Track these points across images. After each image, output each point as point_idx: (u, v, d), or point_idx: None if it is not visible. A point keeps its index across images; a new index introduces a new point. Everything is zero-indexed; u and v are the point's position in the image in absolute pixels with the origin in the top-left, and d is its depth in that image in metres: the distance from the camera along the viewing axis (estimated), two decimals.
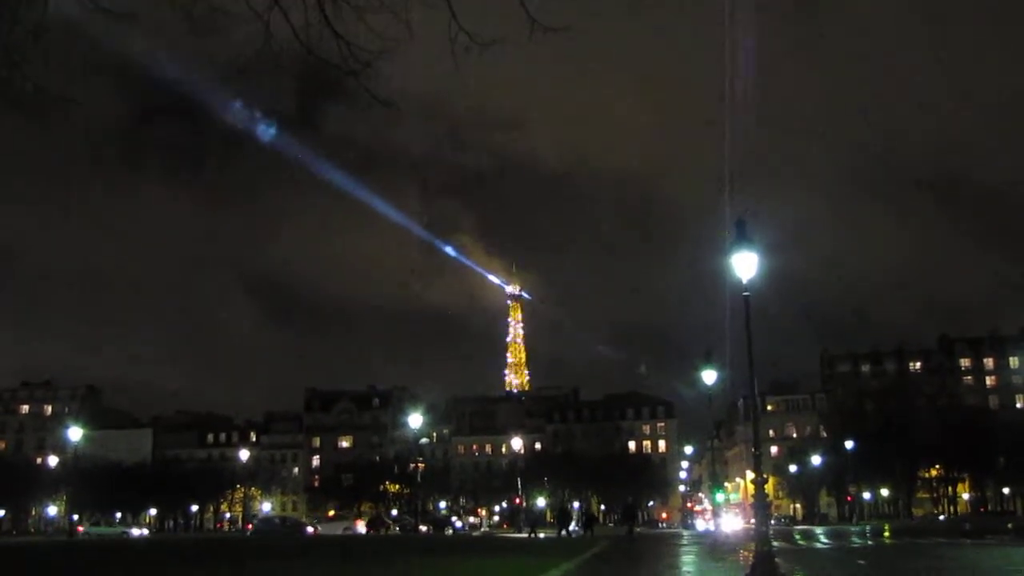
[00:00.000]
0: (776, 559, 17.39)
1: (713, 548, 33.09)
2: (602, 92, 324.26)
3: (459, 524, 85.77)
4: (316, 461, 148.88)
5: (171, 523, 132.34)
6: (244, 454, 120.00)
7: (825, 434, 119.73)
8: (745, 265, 16.68)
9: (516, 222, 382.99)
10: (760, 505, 17.39)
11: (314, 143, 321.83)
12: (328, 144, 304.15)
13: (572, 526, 58.72)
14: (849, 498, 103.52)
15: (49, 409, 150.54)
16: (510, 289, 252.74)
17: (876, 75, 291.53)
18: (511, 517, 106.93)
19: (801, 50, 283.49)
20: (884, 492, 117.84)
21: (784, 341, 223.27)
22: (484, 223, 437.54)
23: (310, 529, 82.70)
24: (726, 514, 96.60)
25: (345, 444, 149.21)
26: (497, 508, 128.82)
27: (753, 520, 18.41)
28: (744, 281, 16.66)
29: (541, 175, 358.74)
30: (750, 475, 20.91)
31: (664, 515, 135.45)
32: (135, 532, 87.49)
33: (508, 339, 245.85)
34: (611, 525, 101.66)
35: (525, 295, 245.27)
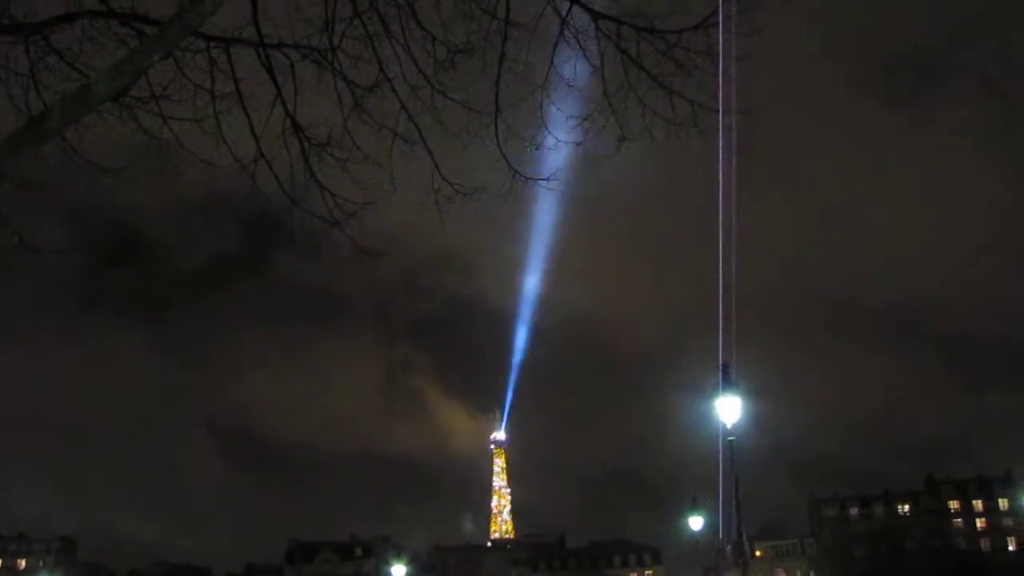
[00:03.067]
0: None
1: None
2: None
3: None
4: None
5: None
6: None
7: None
8: (729, 409, 16.49)
9: (481, 365, 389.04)
10: None
11: (268, 287, 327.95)
12: (282, 288, 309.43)
13: None
14: None
15: (23, 563, 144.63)
16: (493, 435, 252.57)
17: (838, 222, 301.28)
18: None
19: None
20: None
21: (772, 486, 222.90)
22: (446, 365, 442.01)
23: None
24: None
25: None
26: None
27: None
28: (728, 425, 16.49)
29: (496, 314, 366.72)
30: None
31: None
32: None
33: (492, 485, 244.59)
34: None
35: (502, 440, 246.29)
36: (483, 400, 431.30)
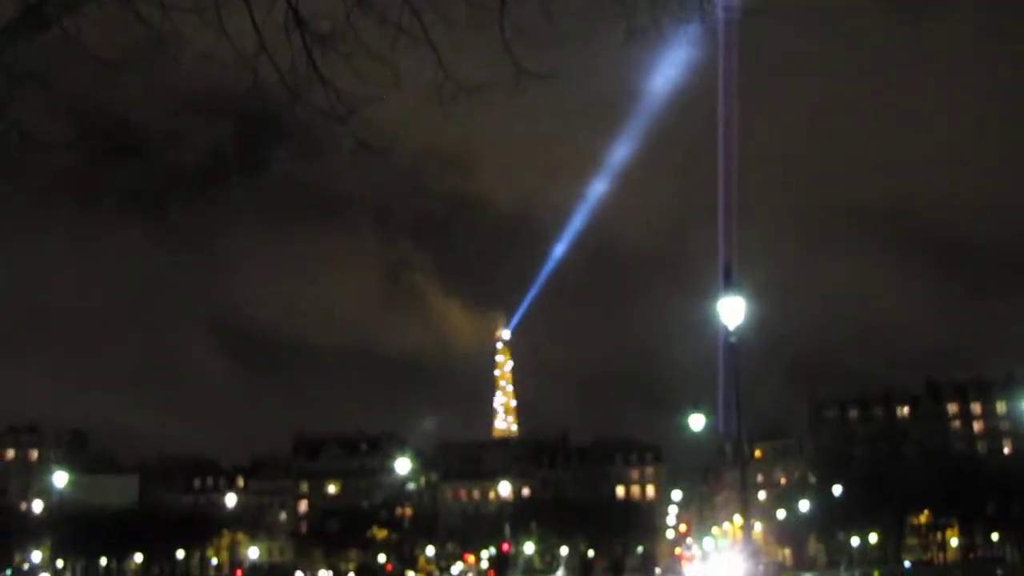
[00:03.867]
0: None
1: None
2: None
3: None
4: (303, 507, 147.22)
5: (157, 569, 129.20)
6: (231, 499, 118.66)
7: (813, 479, 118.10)
8: (732, 311, 16.45)
9: (483, 264, 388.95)
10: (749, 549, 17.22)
11: (268, 185, 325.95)
12: (283, 186, 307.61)
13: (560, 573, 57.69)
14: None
15: (35, 454, 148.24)
16: (498, 333, 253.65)
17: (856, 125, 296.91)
18: (499, 564, 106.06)
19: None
20: (873, 538, 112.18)
21: (771, 388, 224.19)
22: (447, 264, 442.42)
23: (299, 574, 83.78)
24: (716, 559, 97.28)
25: (333, 490, 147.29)
26: (485, 554, 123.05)
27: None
28: (731, 327, 16.43)
29: (500, 214, 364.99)
30: (739, 520, 20.06)
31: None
32: None
33: (496, 383, 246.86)
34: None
35: (508, 338, 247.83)
36: (485, 300, 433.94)
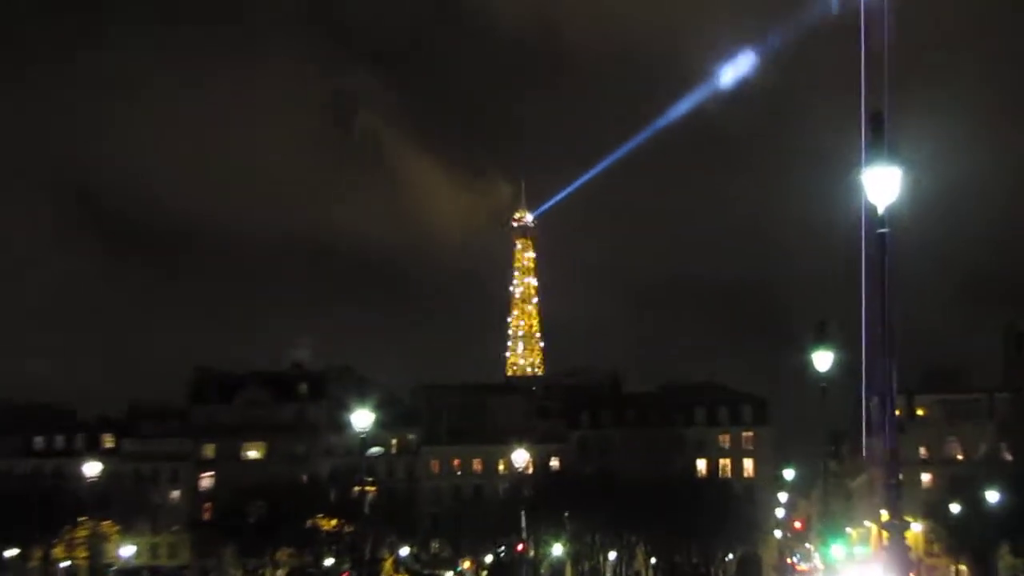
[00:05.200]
0: None
1: None
2: None
3: None
4: (207, 481, 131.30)
5: None
6: (94, 468, 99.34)
7: (1009, 456, 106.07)
8: (883, 186, 14.99)
9: (482, 109, 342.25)
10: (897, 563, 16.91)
11: None
12: None
13: None
14: None
15: None
16: (519, 217, 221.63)
17: None
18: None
19: None
20: None
21: (948, 315, 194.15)
22: (421, 106, 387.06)
23: None
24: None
25: (254, 455, 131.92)
26: (489, 558, 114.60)
27: None
28: (880, 210, 15.00)
29: (498, 41, 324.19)
30: (886, 516, 17.42)
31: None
32: None
33: (512, 296, 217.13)
34: None
35: (531, 225, 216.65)
36: (488, 165, 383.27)
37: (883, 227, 15.10)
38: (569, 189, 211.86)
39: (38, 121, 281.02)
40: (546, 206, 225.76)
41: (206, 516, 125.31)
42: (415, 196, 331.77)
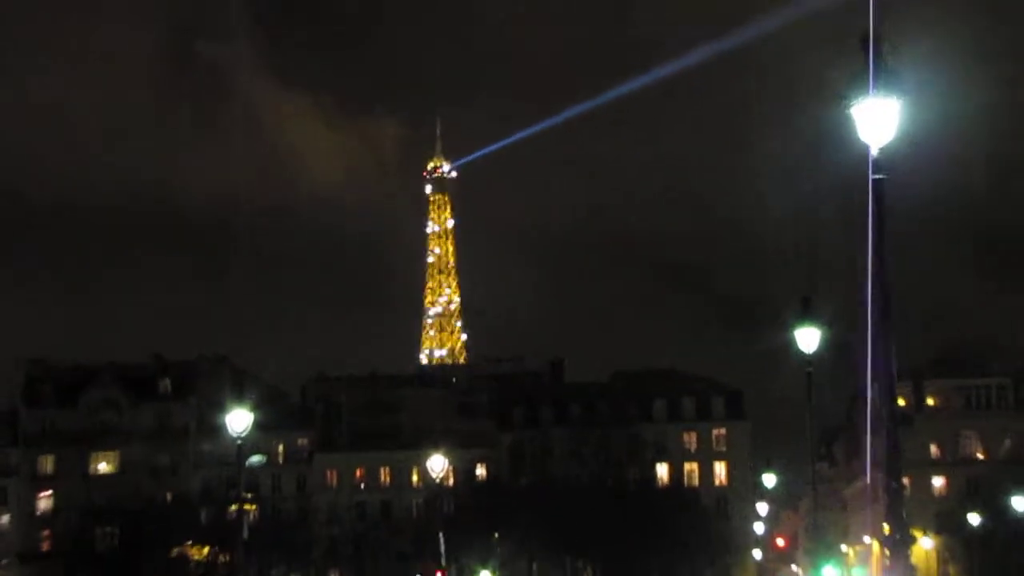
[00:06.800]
0: None
1: None
2: None
3: None
4: (45, 502, 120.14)
5: None
6: None
7: None
8: (875, 123, 13.59)
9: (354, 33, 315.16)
10: None
11: None
12: None
13: None
14: None
15: None
16: (430, 168, 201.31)
17: None
18: None
19: None
20: None
21: (960, 284, 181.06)
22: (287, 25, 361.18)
23: None
24: None
25: (104, 468, 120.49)
26: None
27: None
28: (874, 152, 13.69)
29: None
30: (887, 530, 15.28)
31: None
32: None
33: (427, 266, 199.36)
34: None
35: (447, 173, 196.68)
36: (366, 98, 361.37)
37: (879, 173, 13.90)
38: (503, 143, 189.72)
39: None
40: (471, 157, 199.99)
41: (44, 546, 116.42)
42: (284, 144, 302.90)
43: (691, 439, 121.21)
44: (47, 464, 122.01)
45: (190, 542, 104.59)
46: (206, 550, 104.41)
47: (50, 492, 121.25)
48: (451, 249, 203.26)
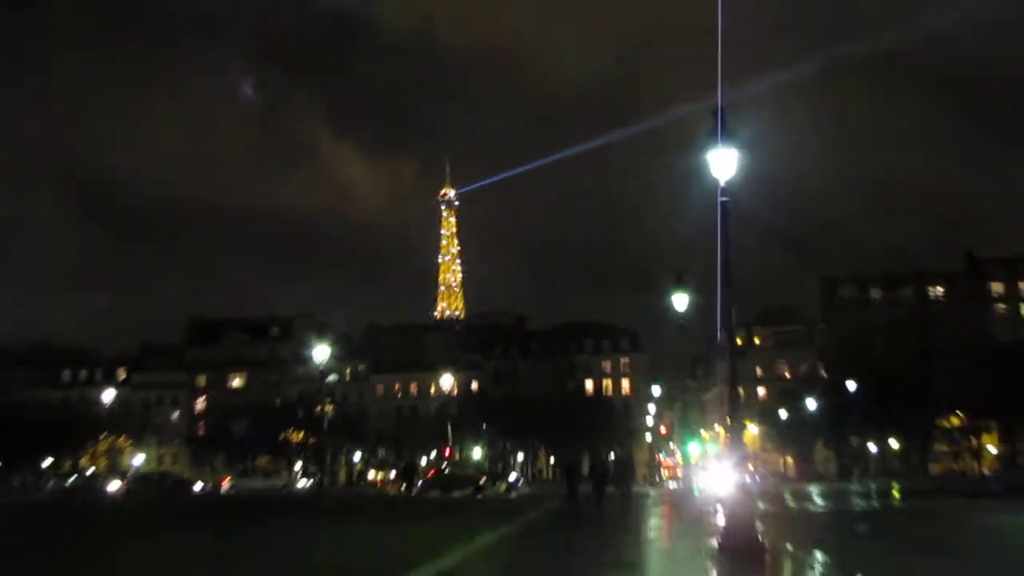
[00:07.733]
0: (757, 524, 17.26)
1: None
2: None
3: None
4: (200, 404, 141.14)
5: (18, 481, 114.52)
6: (110, 395, 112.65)
7: (824, 374, 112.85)
8: (723, 164, 16.78)
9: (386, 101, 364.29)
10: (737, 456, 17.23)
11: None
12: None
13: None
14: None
15: None
16: (442, 192, 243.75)
17: None
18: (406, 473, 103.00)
19: None
20: (894, 444, 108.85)
21: (780, 267, 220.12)
22: (342, 103, 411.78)
23: (198, 486, 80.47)
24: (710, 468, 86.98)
25: (237, 383, 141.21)
26: (424, 460, 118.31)
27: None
28: (722, 183, 16.78)
29: (396, 42, 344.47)
30: (729, 421, 19.16)
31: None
32: None
33: (439, 255, 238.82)
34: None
35: (453, 198, 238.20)
36: (398, 145, 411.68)
37: (724, 197, 16.21)
38: (493, 179, 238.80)
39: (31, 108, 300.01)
40: (469, 187, 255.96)
41: (200, 432, 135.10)
42: (343, 176, 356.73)
43: (607, 365, 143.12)
44: (201, 380, 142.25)
45: (291, 430, 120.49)
46: (301, 435, 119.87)
47: (204, 399, 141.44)
48: (455, 243, 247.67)
